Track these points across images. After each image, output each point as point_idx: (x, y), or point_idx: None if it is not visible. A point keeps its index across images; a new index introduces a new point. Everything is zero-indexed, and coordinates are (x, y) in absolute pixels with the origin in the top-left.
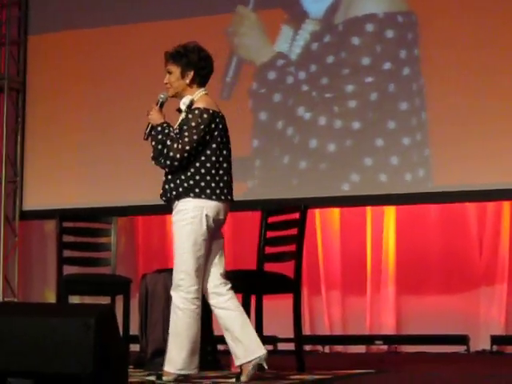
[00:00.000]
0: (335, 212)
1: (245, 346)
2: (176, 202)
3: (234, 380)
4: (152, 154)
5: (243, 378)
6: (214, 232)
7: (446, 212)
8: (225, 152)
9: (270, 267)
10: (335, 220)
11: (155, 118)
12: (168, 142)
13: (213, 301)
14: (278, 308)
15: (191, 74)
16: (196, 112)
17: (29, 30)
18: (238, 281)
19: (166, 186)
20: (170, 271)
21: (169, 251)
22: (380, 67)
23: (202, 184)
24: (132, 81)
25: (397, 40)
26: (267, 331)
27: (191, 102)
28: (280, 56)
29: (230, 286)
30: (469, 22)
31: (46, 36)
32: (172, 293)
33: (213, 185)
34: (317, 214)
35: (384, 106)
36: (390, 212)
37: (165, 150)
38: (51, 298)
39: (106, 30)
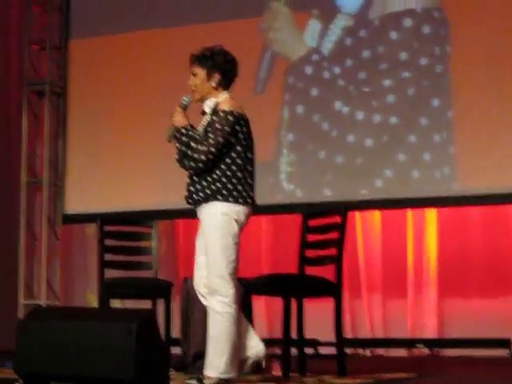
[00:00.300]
0: (376, 214)
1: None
2: (203, 205)
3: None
4: (176, 156)
5: None
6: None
7: (488, 212)
8: (249, 155)
9: (310, 271)
10: (376, 222)
11: (179, 120)
12: (193, 144)
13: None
14: (318, 311)
15: (217, 76)
16: (221, 114)
17: (70, 35)
18: (279, 284)
19: (192, 189)
20: None
21: None
22: (416, 63)
23: (230, 187)
24: (172, 82)
25: (432, 36)
26: (307, 334)
27: (216, 105)
28: (314, 51)
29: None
30: (499, 19)
31: (86, 41)
32: (209, 298)
33: (239, 188)
34: (357, 216)
35: (418, 102)
36: (431, 213)
37: (190, 152)
38: (93, 301)
39: (145, 34)
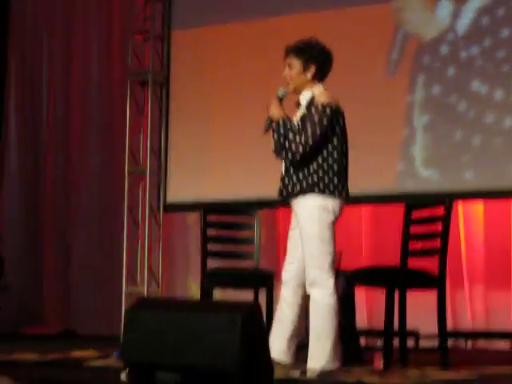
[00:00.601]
0: (478, 206)
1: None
2: (299, 197)
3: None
4: (273, 148)
5: None
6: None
7: None
8: (344, 148)
9: (412, 262)
10: (478, 213)
11: (276, 111)
12: (290, 136)
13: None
14: (417, 302)
15: (313, 68)
16: (320, 107)
17: (172, 25)
18: (384, 276)
19: (287, 181)
20: None
21: None
22: None
23: (326, 180)
24: (276, 72)
25: None
26: (408, 326)
27: (312, 97)
28: (449, 30)
29: None
30: None
31: (188, 31)
32: (309, 289)
33: (335, 181)
34: (460, 208)
35: None
36: None
37: (287, 144)
38: (194, 289)
39: (248, 24)
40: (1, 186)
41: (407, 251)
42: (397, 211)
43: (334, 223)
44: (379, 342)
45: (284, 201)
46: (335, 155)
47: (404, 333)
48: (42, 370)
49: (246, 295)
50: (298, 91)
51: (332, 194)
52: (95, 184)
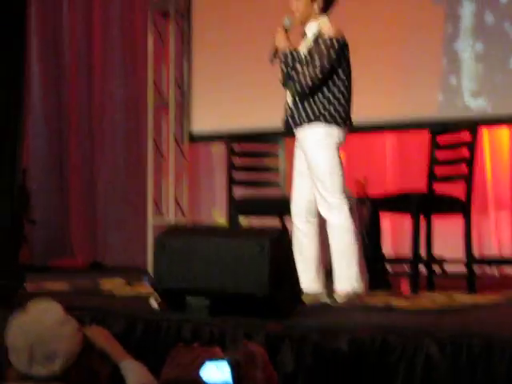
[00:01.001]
0: (504, 131)
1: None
2: (305, 126)
3: (405, 300)
4: (280, 78)
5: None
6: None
7: None
8: (348, 79)
9: (437, 187)
10: (504, 139)
11: (283, 42)
12: (299, 68)
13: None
14: (443, 228)
15: (320, 0)
16: (327, 40)
17: None
18: (410, 202)
19: (294, 110)
20: None
21: None
22: None
23: (332, 110)
24: None
25: None
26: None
27: (319, 30)
28: None
29: None
30: None
31: None
32: (326, 214)
33: (341, 111)
34: (485, 133)
35: None
36: None
37: (295, 75)
38: (219, 217)
39: None
40: (26, 119)
41: (433, 177)
42: (421, 138)
43: (338, 149)
44: (406, 268)
45: (288, 131)
46: (341, 87)
47: (431, 258)
48: (71, 298)
49: (271, 223)
50: (304, 22)
51: (336, 123)
52: (120, 117)
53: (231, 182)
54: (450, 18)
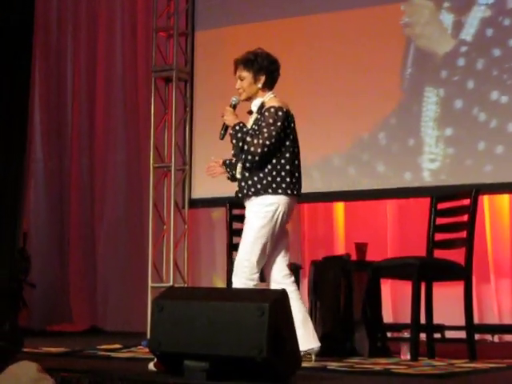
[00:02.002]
0: (504, 198)
1: (303, 335)
2: (253, 198)
3: (405, 367)
4: (233, 152)
5: None
6: (284, 226)
7: None
8: (296, 149)
9: (438, 254)
10: (504, 206)
11: (231, 118)
12: (248, 139)
13: None
14: (443, 296)
15: (263, 78)
16: (272, 110)
17: (195, 24)
18: (409, 268)
19: (243, 184)
20: (338, 259)
21: (334, 238)
22: None
23: (278, 180)
24: (297, 70)
25: None
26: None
27: (262, 103)
28: (461, 43)
29: (293, 278)
30: None
31: (212, 30)
32: (235, 280)
33: (287, 180)
34: (485, 200)
35: None
36: None
37: (246, 147)
38: (219, 283)
39: (270, 24)
40: (27, 184)
41: (433, 242)
42: (421, 203)
43: (283, 222)
44: (405, 334)
45: (240, 203)
46: (287, 155)
47: (431, 326)
48: (70, 360)
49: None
50: (250, 100)
51: (284, 193)
52: (120, 180)
53: (231, 246)
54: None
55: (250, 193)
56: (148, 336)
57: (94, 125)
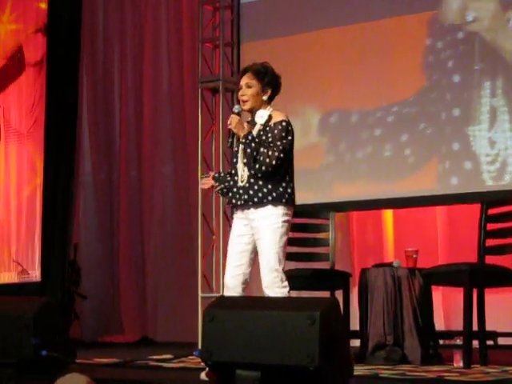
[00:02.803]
0: None
1: None
2: (262, 206)
3: (458, 374)
4: (245, 160)
5: None
6: None
7: None
8: (292, 160)
9: (489, 260)
10: None
11: (240, 127)
12: (262, 149)
13: None
14: (495, 302)
15: (269, 91)
16: (284, 124)
17: (241, 35)
18: (460, 274)
19: (251, 192)
20: (388, 266)
21: (382, 246)
22: None
23: (289, 190)
24: (342, 80)
25: None
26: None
27: (270, 115)
28: None
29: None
30: None
31: (256, 42)
32: (267, 290)
33: (292, 191)
34: None
35: None
36: None
37: (259, 157)
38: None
39: (315, 34)
40: (77, 197)
41: (484, 248)
42: (471, 208)
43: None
44: (458, 341)
45: (233, 208)
46: (292, 167)
47: (484, 332)
48: (121, 371)
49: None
50: (252, 110)
51: (291, 204)
52: (169, 191)
53: None
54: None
55: (255, 200)
56: (199, 346)
57: (141, 137)
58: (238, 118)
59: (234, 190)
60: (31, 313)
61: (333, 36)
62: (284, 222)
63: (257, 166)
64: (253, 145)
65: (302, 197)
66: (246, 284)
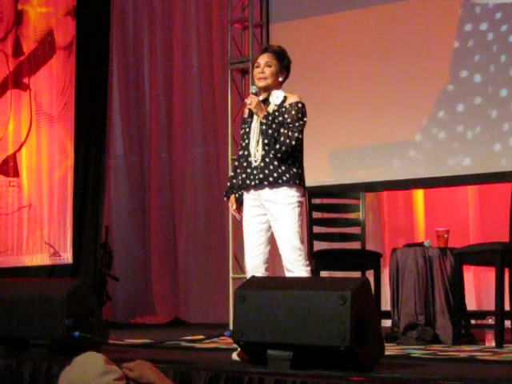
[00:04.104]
0: None
1: None
2: (277, 186)
3: (490, 353)
4: (266, 141)
5: None
6: None
7: None
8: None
9: None
10: None
11: (259, 107)
12: (282, 130)
13: None
14: None
15: (285, 74)
16: (299, 105)
17: (270, 17)
18: (492, 254)
19: (267, 171)
20: (419, 246)
21: (413, 226)
22: None
23: (300, 172)
24: (371, 63)
25: None
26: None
27: (285, 96)
28: None
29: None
30: None
31: (285, 23)
32: (292, 269)
33: (303, 172)
34: None
35: None
36: None
37: (280, 137)
38: None
39: (343, 15)
40: (108, 180)
41: None
42: (503, 188)
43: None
44: (490, 321)
45: (245, 188)
46: (303, 148)
47: None
48: (154, 352)
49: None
50: (267, 89)
51: (304, 184)
52: (199, 173)
53: (312, 236)
54: None
55: (271, 179)
56: (230, 326)
57: (172, 119)
58: (257, 98)
59: (248, 170)
60: (64, 294)
61: (365, 16)
62: (299, 202)
63: (277, 146)
64: (274, 125)
65: (334, 177)
66: (269, 263)
